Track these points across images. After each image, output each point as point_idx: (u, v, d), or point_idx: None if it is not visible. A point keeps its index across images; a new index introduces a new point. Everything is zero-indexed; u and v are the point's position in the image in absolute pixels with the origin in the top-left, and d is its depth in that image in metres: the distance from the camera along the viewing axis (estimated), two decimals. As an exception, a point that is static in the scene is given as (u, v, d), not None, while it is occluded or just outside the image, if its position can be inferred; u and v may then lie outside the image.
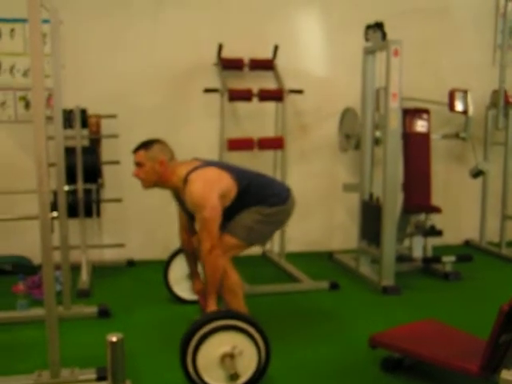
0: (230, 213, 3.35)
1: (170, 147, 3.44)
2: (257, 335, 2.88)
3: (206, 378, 2.84)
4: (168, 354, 3.37)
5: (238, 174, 3.42)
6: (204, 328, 2.83)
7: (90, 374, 2.92)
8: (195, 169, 3.33)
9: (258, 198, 3.41)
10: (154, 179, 3.37)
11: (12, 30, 4.93)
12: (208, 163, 3.46)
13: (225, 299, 3.38)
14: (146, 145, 3.37)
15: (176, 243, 4.43)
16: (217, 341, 2.83)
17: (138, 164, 3.35)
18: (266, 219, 3.43)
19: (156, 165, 3.33)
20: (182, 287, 4.29)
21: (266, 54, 5.24)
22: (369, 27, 4.78)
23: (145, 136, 5.17)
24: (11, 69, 4.97)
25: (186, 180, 3.29)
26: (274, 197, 3.46)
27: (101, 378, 2.84)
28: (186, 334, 2.87)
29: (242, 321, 2.88)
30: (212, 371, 2.84)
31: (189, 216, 3.54)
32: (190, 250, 3.75)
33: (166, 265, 4.31)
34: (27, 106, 5.02)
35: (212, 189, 3.24)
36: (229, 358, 2.82)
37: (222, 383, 2.86)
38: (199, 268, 3.73)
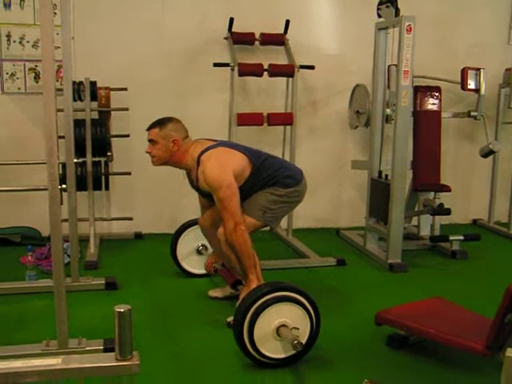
0: (244, 193, 3.36)
1: (184, 126, 3.45)
2: (309, 305, 2.94)
3: (263, 350, 2.89)
4: (176, 327, 3.42)
5: (252, 153, 3.43)
6: (259, 301, 2.87)
7: (98, 345, 2.93)
8: (208, 149, 3.34)
9: (273, 179, 3.44)
10: (166, 157, 3.39)
11: (22, 1, 4.89)
12: (221, 143, 3.47)
13: (241, 260, 3.39)
14: (160, 123, 3.38)
15: (183, 217, 4.46)
16: (272, 313, 2.86)
17: (152, 141, 3.37)
18: (281, 200, 3.46)
19: (169, 143, 3.35)
20: (190, 261, 4.30)
21: (278, 29, 5.19)
22: (382, 3, 4.73)
23: (154, 109, 5.19)
24: (21, 40, 4.94)
25: (199, 160, 3.30)
26: (289, 178, 3.48)
27: (108, 349, 2.85)
28: (241, 308, 2.91)
29: (294, 292, 2.94)
30: (269, 342, 2.88)
31: (203, 195, 3.54)
32: (209, 234, 3.78)
33: (173, 239, 4.30)
34: (37, 77, 4.99)
35: (226, 168, 3.26)
36: (285, 328, 2.86)
37: (279, 354, 2.90)
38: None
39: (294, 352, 2.87)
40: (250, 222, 3.41)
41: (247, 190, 3.40)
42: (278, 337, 2.89)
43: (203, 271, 4.13)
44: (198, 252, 4.27)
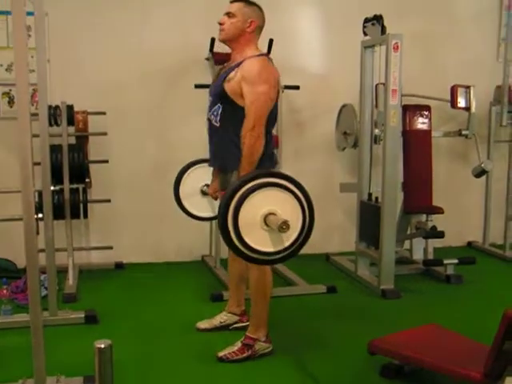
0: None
1: (265, 19, 3.35)
2: (298, 192, 2.81)
3: (249, 240, 2.75)
4: (161, 363, 3.34)
5: (275, 109, 3.30)
6: (243, 188, 2.74)
7: (77, 383, 2.90)
8: (270, 60, 3.29)
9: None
10: (235, 35, 3.27)
11: (-5, 23, 4.82)
12: None
13: (252, 296, 3.38)
14: (247, 0, 3.31)
15: (166, 245, 4.34)
16: (258, 200, 2.75)
17: (229, 14, 3.28)
18: None
19: (246, 22, 3.25)
20: (193, 203, 4.10)
21: (260, 49, 5.07)
22: (367, 20, 4.71)
23: (135, 133, 5.14)
24: (-6, 63, 4.87)
25: (259, 55, 3.24)
26: (265, 160, 3.27)
27: (88, 387, 2.83)
28: (225, 197, 2.78)
29: (281, 178, 2.81)
30: (256, 232, 2.76)
31: (213, 100, 3.35)
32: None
33: (176, 179, 4.07)
34: (11, 102, 4.92)
35: (275, 80, 3.19)
36: (272, 215, 2.74)
37: (266, 246, 2.79)
38: None
39: (285, 245, 2.75)
40: None
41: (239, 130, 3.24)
42: (266, 227, 2.75)
43: (205, 214, 4.04)
44: (203, 193, 4.06)
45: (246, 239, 2.74)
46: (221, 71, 3.42)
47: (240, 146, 3.17)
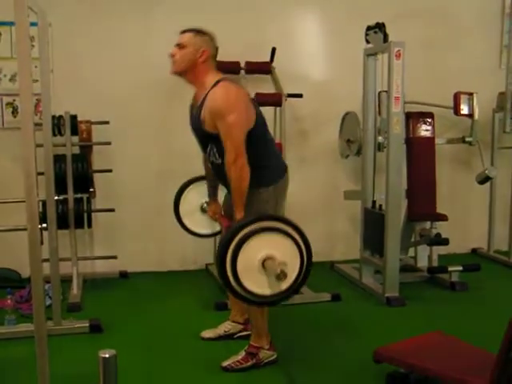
0: None
1: (217, 47, 3.30)
2: (297, 236, 2.80)
3: (247, 283, 2.76)
4: (166, 372, 3.32)
5: (260, 119, 3.26)
6: (242, 232, 2.74)
7: None
8: (231, 81, 3.21)
9: (258, 163, 3.20)
10: (188, 66, 3.20)
11: (-2, 33, 4.84)
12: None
13: (250, 315, 3.37)
14: (197, 29, 3.25)
15: (171, 254, 4.33)
16: (257, 244, 2.75)
17: (180, 45, 3.22)
18: (267, 206, 3.24)
19: (198, 53, 3.18)
20: (193, 220, 4.09)
21: (263, 57, 5.12)
22: (369, 28, 4.71)
23: (138, 143, 5.15)
24: (-3, 74, 4.89)
25: (217, 83, 3.15)
26: (272, 172, 3.30)
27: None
28: (223, 240, 2.79)
29: (284, 223, 2.81)
30: (253, 276, 2.76)
31: (201, 141, 3.35)
32: (210, 171, 3.57)
33: (176, 195, 4.06)
34: (15, 112, 4.94)
35: (241, 101, 3.12)
36: (271, 260, 2.75)
37: (264, 289, 2.79)
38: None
39: (282, 289, 2.75)
40: None
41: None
42: (263, 270, 2.75)
43: (206, 231, 4.04)
44: (202, 210, 4.03)
45: (245, 283, 2.75)
46: (192, 109, 3.34)
47: (259, 159, 3.17)
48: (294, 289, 2.83)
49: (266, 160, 3.27)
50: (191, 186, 4.03)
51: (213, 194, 3.70)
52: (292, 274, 2.77)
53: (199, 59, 3.16)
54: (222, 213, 3.61)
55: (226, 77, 3.23)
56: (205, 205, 3.95)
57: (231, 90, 3.12)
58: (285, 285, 2.77)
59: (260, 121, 3.23)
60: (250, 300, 2.83)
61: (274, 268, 2.69)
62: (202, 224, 4.02)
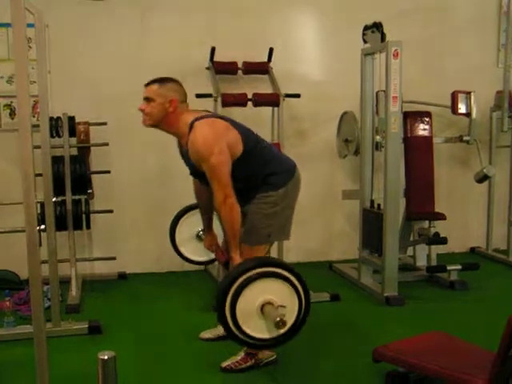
0: (237, 182, 3.16)
1: (184, 90, 3.27)
2: (297, 283, 2.80)
3: (246, 329, 2.76)
4: (166, 374, 3.31)
5: (247, 135, 3.25)
6: (240, 278, 2.74)
7: None
8: (204, 117, 3.18)
9: (262, 173, 3.24)
10: (160, 117, 3.19)
11: (-5, 35, 4.82)
12: (218, 116, 3.35)
13: None
14: (160, 80, 3.22)
15: (169, 255, 4.32)
16: (255, 290, 2.74)
17: (147, 99, 3.20)
18: (278, 207, 3.26)
19: (166, 103, 3.16)
20: (190, 248, 4.13)
21: (261, 57, 5.12)
22: (367, 28, 4.71)
23: (136, 144, 5.13)
24: (-5, 75, 4.87)
25: (191, 126, 3.13)
26: (279, 176, 3.29)
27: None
28: (222, 285, 2.79)
29: (282, 268, 2.81)
30: (252, 321, 2.76)
31: (197, 176, 3.37)
32: (203, 202, 3.58)
33: (172, 223, 4.11)
34: (12, 113, 4.93)
35: (218, 137, 3.09)
36: (270, 305, 2.75)
37: (263, 333, 2.79)
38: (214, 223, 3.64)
39: (279, 333, 2.75)
40: (257, 250, 3.24)
41: (239, 176, 3.18)
42: (262, 315, 2.76)
43: (202, 258, 4.06)
44: (198, 237, 4.06)
45: (244, 327, 2.75)
46: (182, 149, 3.33)
47: (262, 170, 3.20)
48: (293, 332, 2.84)
49: (268, 168, 3.26)
50: (186, 216, 4.08)
51: (207, 225, 3.68)
52: (291, 316, 2.79)
53: (169, 109, 3.16)
54: (220, 244, 3.64)
55: (199, 114, 3.21)
56: (201, 233, 3.98)
57: (206, 131, 3.10)
58: (284, 329, 2.77)
59: (247, 139, 3.22)
60: (249, 343, 2.84)
61: (273, 315, 2.71)
62: (198, 252, 4.06)
